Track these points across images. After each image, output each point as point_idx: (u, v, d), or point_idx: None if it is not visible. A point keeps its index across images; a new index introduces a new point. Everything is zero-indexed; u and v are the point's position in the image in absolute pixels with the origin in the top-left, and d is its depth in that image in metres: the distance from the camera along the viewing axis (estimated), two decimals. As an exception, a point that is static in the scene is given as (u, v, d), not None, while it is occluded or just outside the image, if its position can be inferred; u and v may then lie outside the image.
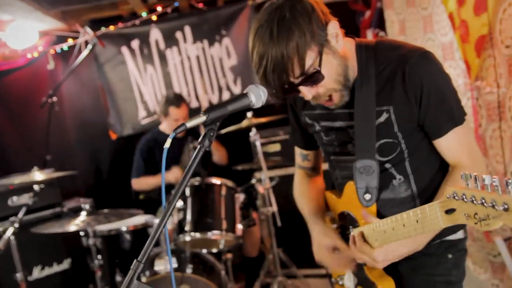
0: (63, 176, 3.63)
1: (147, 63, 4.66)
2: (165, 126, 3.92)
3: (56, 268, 3.70)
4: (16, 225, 2.87)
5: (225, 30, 4.55)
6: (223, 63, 4.62)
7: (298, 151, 1.86)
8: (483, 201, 1.04)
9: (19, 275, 2.93)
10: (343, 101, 1.48)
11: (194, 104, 4.68)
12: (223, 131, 3.61)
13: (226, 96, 4.67)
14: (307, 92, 1.41)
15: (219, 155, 3.96)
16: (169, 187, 3.60)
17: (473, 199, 1.06)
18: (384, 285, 1.51)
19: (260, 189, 3.46)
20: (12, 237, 2.86)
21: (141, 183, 3.82)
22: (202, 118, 1.21)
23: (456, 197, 1.11)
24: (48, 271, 3.66)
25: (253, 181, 3.62)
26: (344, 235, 1.61)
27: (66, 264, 3.73)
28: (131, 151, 4.03)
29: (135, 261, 1.10)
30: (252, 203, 3.65)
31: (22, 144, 4.52)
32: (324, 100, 1.47)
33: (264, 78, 1.36)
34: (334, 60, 1.39)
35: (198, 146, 1.21)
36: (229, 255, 3.35)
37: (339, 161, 1.63)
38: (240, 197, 3.24)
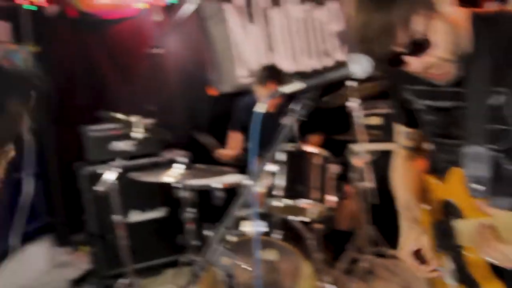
0: (164, 127, 3.77)
1: (249, 22, 4.61)
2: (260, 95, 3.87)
3: (151, 214, 3.88)
4: (120, 170, 3.01)
5: (334, -8, 4.39)
6: (328, 27, 4.48)
7: (399, 129, 1.73)
8: None
9: (117, 218, 3.08)
10: (453, 75, 1.34)
11: (294, 67, 4.60)
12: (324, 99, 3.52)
13: (327, 62, 4.55)
14: (414, 63, 1.27)
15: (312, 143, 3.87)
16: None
17: None
18: None
19: (356, 162, 3.36)
20: (113, 182, 2.99)
21: (234, 137, 3.86)
22: (300, 85, 1.17)
23: None
24: (143, 216, 3.85)
25: (349, 153, 3.52)
26: (443, 227, 1.49)
27: (160, 212, 3.91)
28: (229, 109, 4.07)
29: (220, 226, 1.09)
30: (346, 176, 3.57)
31: (126, 93, 4.71)
32: (433, 74, 1.32)
33: (366, 47, 1.23)
34: (444, 27, 1.24)
35: (294, 116, 1.18)
36: (319, 225, 3.32)
37: (443, 143, 1.50)
38: (335, 168, 3.16)
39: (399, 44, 1.22)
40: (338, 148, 3.74)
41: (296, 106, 1.20)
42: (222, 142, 4.06)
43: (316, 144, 3.80)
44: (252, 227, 2.95)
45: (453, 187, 1.44)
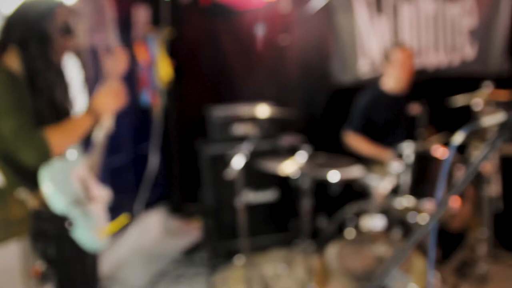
0: (284, 112, 3.87)
1: (377, 14, 4.56)
2: (386, 82, 3.82)
3: (265, 195, 4.02)
4: (248, 155, 3.13)
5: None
6: (461, 23, 4.32)
7: None
8: None
9: (238, 199, 3.23)
10: None
11: (418, 63, 4.50)
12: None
13: (456, 58, 4.40)
14: None
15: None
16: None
17: None
18: None
19: (485, 167, 3.25)
20: (239, 164, 3.14)
21: (354, 139, 3.80)
22: (502, 118, 1.14)
23: None
24: (258, 196, 4.00)
25: (474, 154, 3.41)
26: None
27: (274, 193, 4.04)
28: (347, 101, 4.06)
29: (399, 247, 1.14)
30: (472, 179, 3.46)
31: (248, 80, 4.88)
32: None
33: None
34: None
35: (489, 147, 1.17)
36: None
37: None
38: (460, 169, 3.10)
39: None
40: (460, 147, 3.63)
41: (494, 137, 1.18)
42: (336, 140, 4.07)
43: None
44: (371, 222, 2.99)
45: None
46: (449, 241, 3.73)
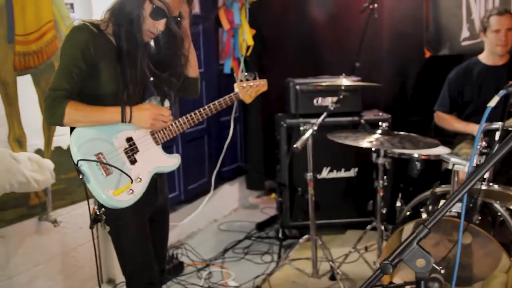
0: (367, 86, 3.72)
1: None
2: (485, 54, 3.52)
3: (343, 173, 3.94)
4: (315, 127, 3.07)
5: None
6: None
7: None
8: None
9: (308, 175, 3.18)
10: None
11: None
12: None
13: None
14: None
15: None
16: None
17: None
18: None
19: None
20: (310, 139, 3.07)
21: (443, 120, 3.59)
22: None
23: None
24: (335, 174, 3.93)
25: None
26: None
27: (352, 173, 3.94)
28: (444, 73, 3.80)
29: (420, 224, 1.05)
30: None
31: (336, 48, 4.74)
32: None
33: None
34: None
35: None
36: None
37: None
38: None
39: None
40: None
41: None
42: (427, 117, 3.84)
43: None
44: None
45: None
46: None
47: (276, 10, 4.86)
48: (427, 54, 4.52)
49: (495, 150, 1.05)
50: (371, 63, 4.57)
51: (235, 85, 2.34)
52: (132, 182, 1.97)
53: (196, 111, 2.17)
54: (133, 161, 2.02)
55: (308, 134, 3.04)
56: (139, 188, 2.01)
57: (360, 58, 4.28)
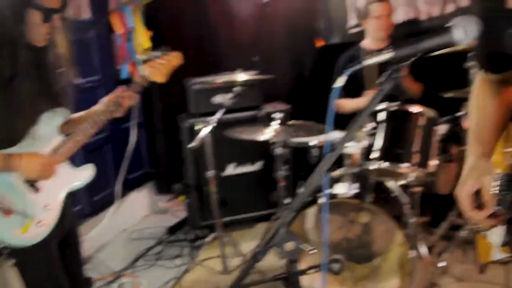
0: (265, 79, 3.79)
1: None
2: (368, 40, 3.71)
3: (248, 168, 3.99)
4: (213, 124, 3.10)
5: None
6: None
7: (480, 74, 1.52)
8: None
9: (209, 173, 3.20)
10: None
11: (411, 14, 4.32)
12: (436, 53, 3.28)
13: (449, 9, 4.21)
14: None
15: (410, 91, 3.61)
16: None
17: None
18: None
19: (465, 123, 3.14)
20: (208, 136, 3.09)
21: (338, 106, 3.74)
22: (389, 54, 1.08)
23: None
24: (241, 169, 3.98)
25: (460, 112, 3.29)
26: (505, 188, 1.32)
27: (258, 166, 4.00)
28: (336, 61, 3.96)
29: (284, 208, 1.09)
30: (455, 137, 3.35)
31: (234, 44, 4.78)
32: None
33: None
34: None
35: (378, 89, 1.10)
36: (417, 189, 3.20)
37: None
38: (441, 129, 2.99)
39: None
40: (450, 105, 3.51)
41: (383, 79, 1.12)
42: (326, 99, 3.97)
43: (413, 90, 3.59)
44: (345, 189, 2.92)
45: None
46: (441, 206, 3.65)
47: (172, 9, 4.82)
48: (320, 44, 4.68)
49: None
50: (269, 57, 4.65)
51: (143, 67, 2.18)
52: (35, 216, 1.82)
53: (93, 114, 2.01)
54: (36, 190, 1.85)
55: (203, 132, 3.07)
56: (51, 217, 1.87)
57: (258, 53, 4.36)
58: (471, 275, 3.09)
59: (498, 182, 1.35)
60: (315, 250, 1.20)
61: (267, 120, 3.81)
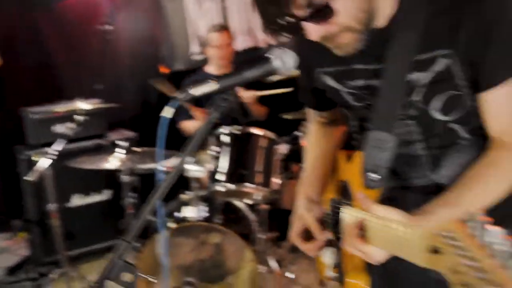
0: (109, 107, 3.72)
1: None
2: (211, 66, 3.85)
3: (95, 197, 3.87)
4: (54, 155, 2.96)
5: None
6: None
7: (310, 111, 1.63)
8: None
9: (51, 206, 3.06)
10: (355, 47, 1.18)
11: (250, 43, 4.57)
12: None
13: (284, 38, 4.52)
14: (313, 31, 1.12)
15: (256, 114, 3.84)
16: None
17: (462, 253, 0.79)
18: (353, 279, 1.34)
19: (304, 142, 3.38)
20: (47, 169, 2.95)
21: (185, 127, 3.80)
22: (213, 86, 1.14)
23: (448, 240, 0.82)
24: (86, 200, 3.84)
25: (299, 132, 3.53)
26: (335, 207, 1.41)
27: (104, 195, 3.89)
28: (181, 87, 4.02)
29: (121, 240, 1.08)
30: (296, 156, 3.59)
31: (74, 72, 4.62)
32: (336, 43, 1.18)
33: (260, 9, 1.13)
34: None
35: (207, 117, 1.15)
36: (264, 207, 3.36)
37: (361, 125, 1.40)
38: (282, 148, 3.18)
39: (297, 7, 1.08)
40: (290, 126, 3.75)
41: (212, 108, 1.17)
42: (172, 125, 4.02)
43: (260, 114, 3.80)
44: (194, 213, 2.97)
45: (356, 168, 1.33)
46: (286, 219, 3.86)
47: (4, 37, 4.52)
48: (164, 71, 4.73)
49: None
50: (114, 84, 4.59)
51: None
52: None
53: None
54: None
55: (42, 163, 2.92)
56: None
57: (102, 80, 4.27)
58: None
59: (327, 209, 1.46)
60: (156, 280, 1.19)
61: (112, 148, 3.75)
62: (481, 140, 1.23)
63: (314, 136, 1.62)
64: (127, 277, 1.14)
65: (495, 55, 1.11)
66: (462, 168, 1.21)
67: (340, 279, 1.44)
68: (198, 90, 1.12)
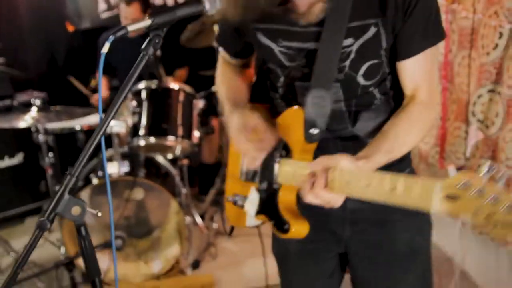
0: (14, 67, 3.55)
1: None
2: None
3: (7, 162, 3.71)
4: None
5: None
6: None
7: (223, 53, 1.63)
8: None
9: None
10: (319, 16, 1.28)
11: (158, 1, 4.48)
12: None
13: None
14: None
15: (180, 78, 3.84)
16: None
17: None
18: (298, 228, 1.37)
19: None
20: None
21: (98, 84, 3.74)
22: (146, 22, 1.16)
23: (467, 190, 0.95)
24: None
25: (215, 88, 3.58)
26: (267, 160, 1.46)
27: (18, 159, 3.75)
28: (90, 46, 3.91)
29: (66, 174, 1.08)
30: (213, 110, 3.64)
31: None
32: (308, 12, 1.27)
33: None
34: None
35: (141, 54, 1.17)
36: (185, 161, 3.42)
37: (305, 87, 1.40)
38: (199, 103, 3.22)
39: None
40: (207, 82, 3.78)
41: (145, 44, 1.18)
42: (85, 82, 3.92)
43: (181, 78, 3.82)
44: (116, 168, 2.96)
45: (288, 125, 1.41)
46: (207, 175, 3.95)
47: None
48: (71, 29, 4.54)
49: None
50: (16, 43, 4.35)
51: None
52: None
53: None
54: None
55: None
56: None
57: (1, 39, 4.04)
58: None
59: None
60: (100, 214, 1.21)
61: (23, 108, 3.61)
62: (390, 100, 1.41)
63: (226, 73, 1.62)
64: (75, 210, 1.13)
65: (413, 27, 1.24)
66: (375, 122, 1.39)
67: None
68: (134, 26, 1.14)
